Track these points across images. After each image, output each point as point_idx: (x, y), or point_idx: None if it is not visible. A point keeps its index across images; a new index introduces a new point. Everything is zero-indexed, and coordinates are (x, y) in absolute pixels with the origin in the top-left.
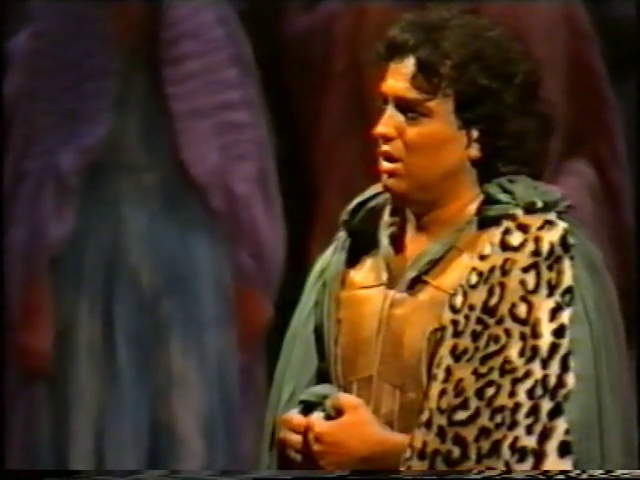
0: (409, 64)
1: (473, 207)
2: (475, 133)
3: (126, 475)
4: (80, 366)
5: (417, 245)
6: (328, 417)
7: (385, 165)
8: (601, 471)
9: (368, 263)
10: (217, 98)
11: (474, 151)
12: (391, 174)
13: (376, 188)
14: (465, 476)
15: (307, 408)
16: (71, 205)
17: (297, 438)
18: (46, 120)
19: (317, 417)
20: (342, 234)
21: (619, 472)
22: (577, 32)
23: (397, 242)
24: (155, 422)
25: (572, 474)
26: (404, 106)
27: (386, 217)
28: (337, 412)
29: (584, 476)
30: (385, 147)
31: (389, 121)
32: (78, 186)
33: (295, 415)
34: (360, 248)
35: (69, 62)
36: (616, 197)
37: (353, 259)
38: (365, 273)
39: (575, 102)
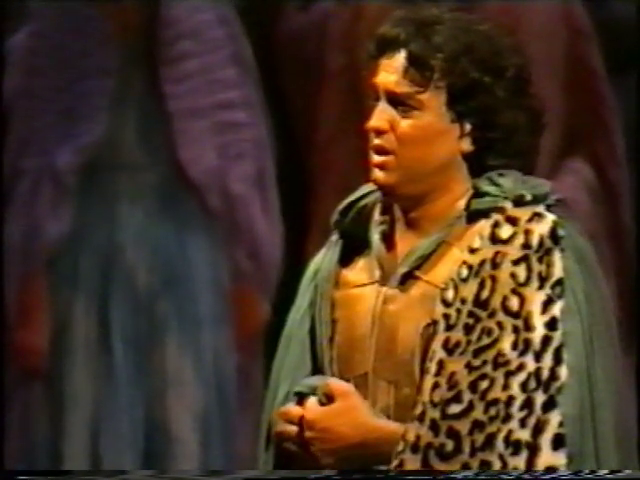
0: (400, 58)
1: (463, 202)
2: (467, 126)
3: (114, 475)
4: (76, 365)
5: (408, 241)
6: (322, 404)
7: (376, 158)
8: (606, 471)
9: (361, 262)
10: (215, 98)
11: (466, 144)
12: (382, 167)
13: (366, 188)
14: (457, 475)
15: (301, 399)
16: (68, 204)
17: (294, 429)
18: (43, 119)
19: (311, 404)
20: (334, 235)
21: (603, 472)
22: (576, 30)
23: (388, 240)
24: (151, 422)
25: (564, 475)
26: (396, 100)
27: (377, 216)
28: (328, 399)
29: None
30: (377, 141)
31: (381, 115)
32: (75, 185)
33: (292, 407)
34: (352, 248)
35: (67, 61)
36: (614, 195)
37: (346, 259)
38: (358, 272)
39: (573, 100)
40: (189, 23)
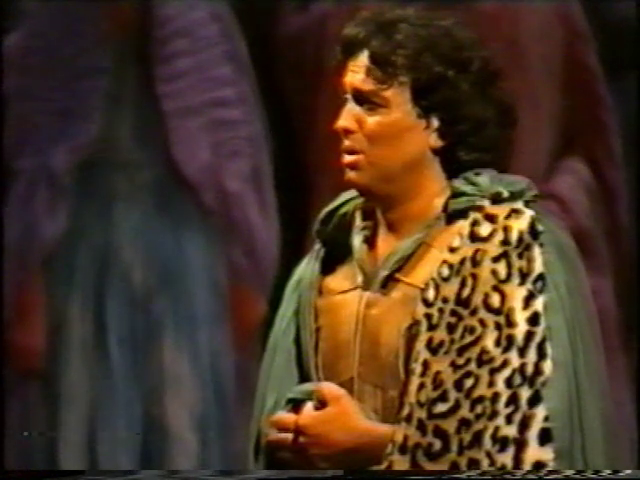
0: (364, 57)
1: (440, 201)
2: (435, 122)
3: (123, 475)
4: (73, 364)
5: (388, 244)
6: (316, 409)
7: (347, 158)
8: (609, 471)
9: (343, 269)
10: (209, 95)
11: (435, 140)
12: (353, 166)
13: (345, 195)
14: (457, 476)
15: (295, 406)
16: (63, 203)
17: (288, 436)
18: (38, 118)
19: (307, 409)
20: (317, 244)
21: (606, 472)
22: (573, 31)
23: (370, 244)
24: (148, 420)
25: (568, 473)
26: (361, 98)
27: (358, 222)
28: (321, 403)
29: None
30: (347, 142)
31: (349, 114)
32: (70, 184)
33: (285, 414)
34: (335, 256)
35: (61, 60)
36: (612, 195)
37: (329, 267)
38: (340, 279)
39: (570, 100)
40: (183, 21)
